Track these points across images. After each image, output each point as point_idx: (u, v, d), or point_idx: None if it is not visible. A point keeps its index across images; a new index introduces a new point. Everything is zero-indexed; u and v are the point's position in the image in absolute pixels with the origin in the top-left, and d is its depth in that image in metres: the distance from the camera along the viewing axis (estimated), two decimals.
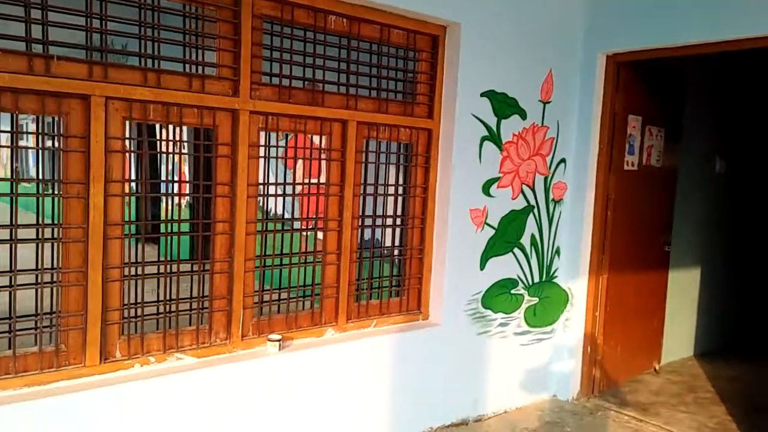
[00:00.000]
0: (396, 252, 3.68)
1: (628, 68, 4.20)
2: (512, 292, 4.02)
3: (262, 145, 3.00)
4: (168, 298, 2.79)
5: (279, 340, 3.00)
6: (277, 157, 3.12)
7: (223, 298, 2.93)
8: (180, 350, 2.81)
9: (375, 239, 3.57)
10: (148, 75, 2.64)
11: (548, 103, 4.06)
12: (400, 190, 3.61)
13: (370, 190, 3.46)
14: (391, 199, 3.58)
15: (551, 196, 4.17)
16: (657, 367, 5.06)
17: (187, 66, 2.77)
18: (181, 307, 2.83)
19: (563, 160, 4.22)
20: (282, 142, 3.34)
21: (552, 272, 4.26)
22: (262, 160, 3.01)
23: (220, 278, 2.91)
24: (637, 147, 4.49)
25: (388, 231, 3.64)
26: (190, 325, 2.88)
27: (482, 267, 3.81)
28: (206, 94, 2.78)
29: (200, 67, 2.79)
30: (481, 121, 3.68)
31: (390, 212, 3.57)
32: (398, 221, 3.62)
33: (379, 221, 3.55)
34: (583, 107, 4.22)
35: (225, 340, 2.95)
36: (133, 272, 2.69)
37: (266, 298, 3.11)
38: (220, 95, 2.82)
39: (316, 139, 3.26)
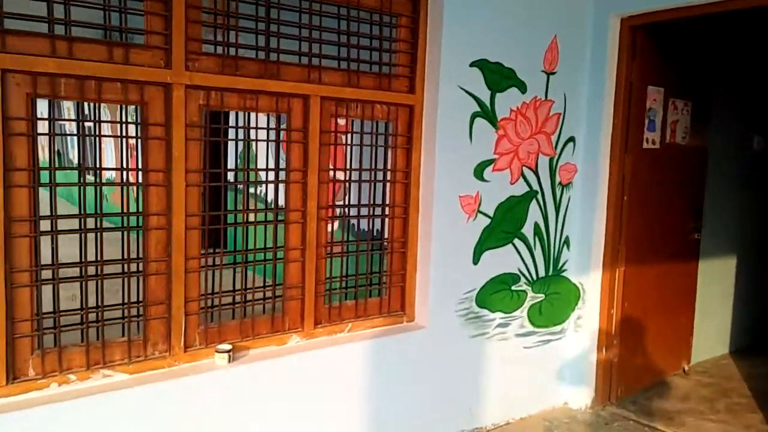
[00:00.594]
0: (374, 246, 3.23)
1: (645, 33, 3.66)
2: (513, 288, 3.54)
3: (204, 126, 2.59)
4: (96, 304, 2.40)
5: (229, 351, 2.60)
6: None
7: (160, 304, 2.53)
8: (108, 366, 2.41)
9: (350, 232, 3.13)
10: (57, 44, 2.23)
11: (553, 73, 3.55)
12: (378, 175, 3.15)
13: (340, 176, 3.02)
14: (366, 186, 3.13)
15: (558, 180, 3.67)
16: (686, 368, 4.56)
17: (108, 33, 2.37)
18: (111, 316, 2.45)
19: (572, 139, 3.71)
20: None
21: (560, 265, 3.77)
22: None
23: (156, 280, 2.51)
24: (658, 123, 3.95)
25: (364, 222, 3.20)
26: (122, 335, 2.49)
27: (476, 261, 3.34)
28: (131, 66, 2.36)
29: (124, 35, 2.39)
30: (472, 95, 3.20)
31: (365, 201, 3.12)
32: (376, 211, 3.17)
33: (353, 211, 3.10)
34: (593, 78, 3.70)
35: (165, 352, 2.55)
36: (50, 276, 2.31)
37: (217, 302, 2.70)
38: (148, 67, 2.41)
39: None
